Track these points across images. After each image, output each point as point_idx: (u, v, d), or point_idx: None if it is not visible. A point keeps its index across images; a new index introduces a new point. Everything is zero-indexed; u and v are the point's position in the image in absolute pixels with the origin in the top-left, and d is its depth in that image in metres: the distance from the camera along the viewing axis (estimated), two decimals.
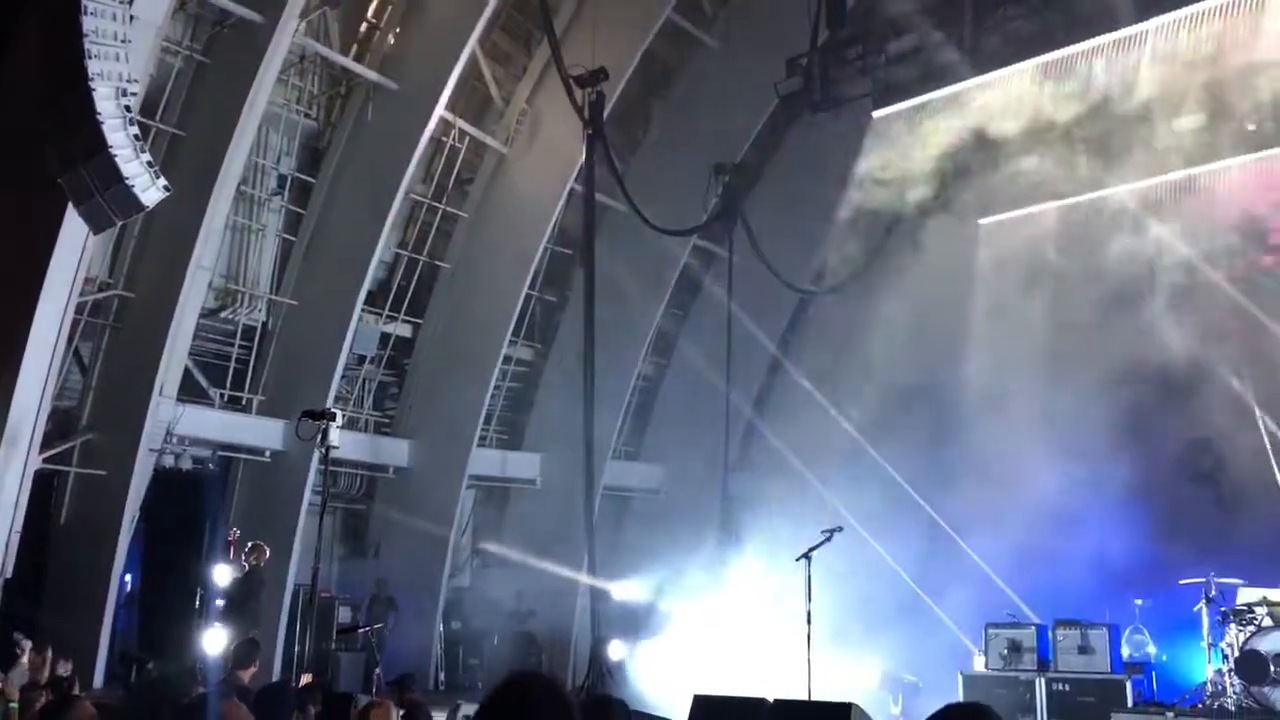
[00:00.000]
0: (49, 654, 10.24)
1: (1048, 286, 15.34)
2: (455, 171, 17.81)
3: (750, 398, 19.32)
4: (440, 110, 15.72)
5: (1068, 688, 12.01)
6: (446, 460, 17.37)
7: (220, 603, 12.81)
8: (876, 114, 14.55)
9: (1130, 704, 11.47)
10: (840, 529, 11.60)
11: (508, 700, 2.70)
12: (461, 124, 17.29)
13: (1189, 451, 14.00)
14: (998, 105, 13.43)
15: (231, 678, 8.09)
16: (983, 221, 16.79)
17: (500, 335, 17.56)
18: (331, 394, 15.36)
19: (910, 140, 14.44)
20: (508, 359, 18.41)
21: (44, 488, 13.15)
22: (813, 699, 10.02)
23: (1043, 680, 12.15)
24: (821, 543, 11.33)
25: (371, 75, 15.98)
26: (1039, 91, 13.09)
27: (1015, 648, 12.53)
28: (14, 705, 8.02)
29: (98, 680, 12.97)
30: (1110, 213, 15.00)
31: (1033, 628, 12.67)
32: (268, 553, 13.20)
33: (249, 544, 13.14)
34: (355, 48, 16.29)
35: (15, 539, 12.04)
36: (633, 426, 20.78)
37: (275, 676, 13.39)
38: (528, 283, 17.86)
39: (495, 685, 2.75)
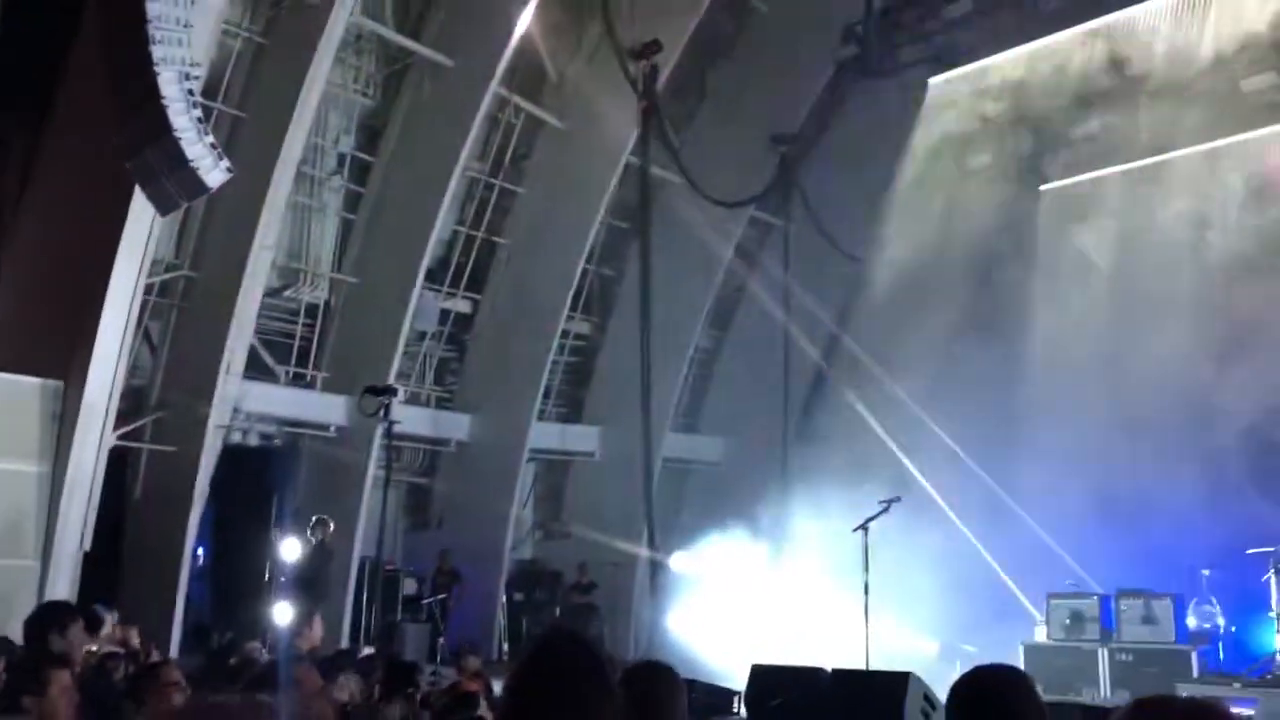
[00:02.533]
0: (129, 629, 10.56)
1: (1113, 252, 15.06)
2: (511, 147, 17.90)
3: (810, 369, 19.21)
4: (495, 86, 15.78)
5: (1131, 658, 11.89)
6: (507, 434, 17.55)
7: (289, 576, 13.12)
8: (934, 80, 14.38)
9: (1195, 674, 11.33)
10: (898, 499, 11.58)
11: (540, 659, 2.67)
12: (517, 99, 17.34)
13: (1259, 418, 13.67)
14: (1057, 69, 13.18)
15: (294, 647, 8.33)
16: (1044, 187, 16.51)
17: (558, 309, 17.67)
18: (393, 370, 15.57)
19: (968, 106, 14.24)
20: (566, 333, 18.52)
21: (118, 464, 13.53)
22: (871, 669, 10.04)
23: (1105, 651, 12.03)
24: (879, 513, 11.32)
25: (427, 53, 16.08)
26: (1099, 53, 12.82)
27: (1077, 618, 12.42)
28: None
29: (173, 651, 13.34)
30: (1177, 175, 14.66)
31: (1095, 598, 12.53)
32: (333, 527, 13.48)
33: (314, 519, 13.42)
34: (410, 25, 16.40)
35: (94, 514, 12.45)
36: (691, 399, 20.81)
37: (344, 647, 13.68)
38: (584, 257, 17.91)
39: (529, 646, 2.75)
